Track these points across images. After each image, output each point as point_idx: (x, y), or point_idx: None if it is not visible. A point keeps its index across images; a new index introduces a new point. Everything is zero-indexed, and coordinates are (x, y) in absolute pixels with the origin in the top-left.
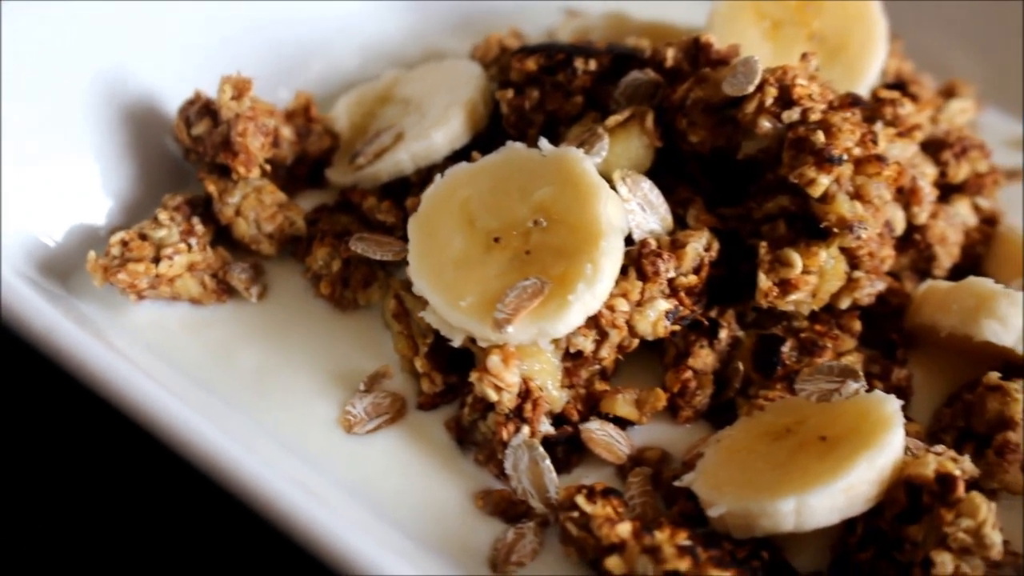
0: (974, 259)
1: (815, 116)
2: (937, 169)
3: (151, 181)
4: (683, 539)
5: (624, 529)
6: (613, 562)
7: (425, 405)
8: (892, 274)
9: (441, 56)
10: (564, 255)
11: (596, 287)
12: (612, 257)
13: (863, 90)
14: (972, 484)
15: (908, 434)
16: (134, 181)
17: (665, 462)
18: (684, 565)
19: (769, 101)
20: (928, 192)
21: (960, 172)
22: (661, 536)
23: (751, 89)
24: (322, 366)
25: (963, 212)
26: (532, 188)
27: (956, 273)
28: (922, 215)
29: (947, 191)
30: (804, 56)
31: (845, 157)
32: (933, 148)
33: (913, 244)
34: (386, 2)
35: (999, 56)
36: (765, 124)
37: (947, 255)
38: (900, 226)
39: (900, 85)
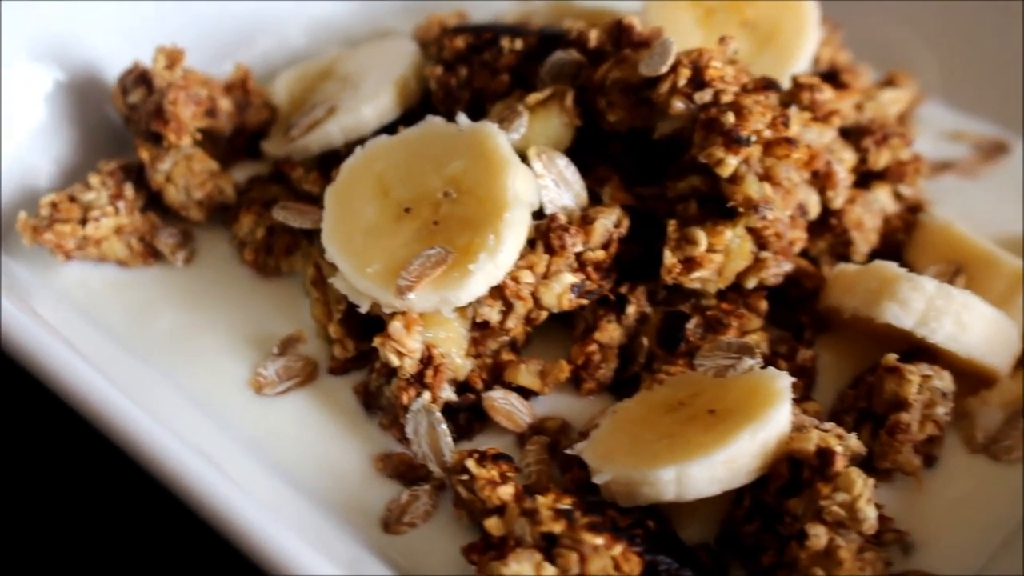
0: (896, 246)
1: (727, 98)
2: (857, 155)
3: (93, 147)
4: (564, 504)
5: (506, 492)
6: (492, 523)
7: (336, 370)
8: (811, 258)
9: (389, 35)
10: (470, 226)
11: (498, 257)
12: (515, 229)
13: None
14: (865, 463)
15: (807, 413)
16: (77, 147)
17: (564, 432)
18: (559, 528)
19: (682, 82)
20: (843, 177)
21: (880, 159)
22: (543, 500)
23: (665, 70)
24: (240, 329)
25: (882, 199)
26: (446, 161)
27: (877, 259)
28: (837, 199)
29: (868, 178)
30: (722, 40)
31: (754, 138)
32: (857, 135)
33: (830, 228)
34: None
35: (948, 51)
36: (678, 105)
37: (864, 240)
38: (814, 209)
39: (832, 73)
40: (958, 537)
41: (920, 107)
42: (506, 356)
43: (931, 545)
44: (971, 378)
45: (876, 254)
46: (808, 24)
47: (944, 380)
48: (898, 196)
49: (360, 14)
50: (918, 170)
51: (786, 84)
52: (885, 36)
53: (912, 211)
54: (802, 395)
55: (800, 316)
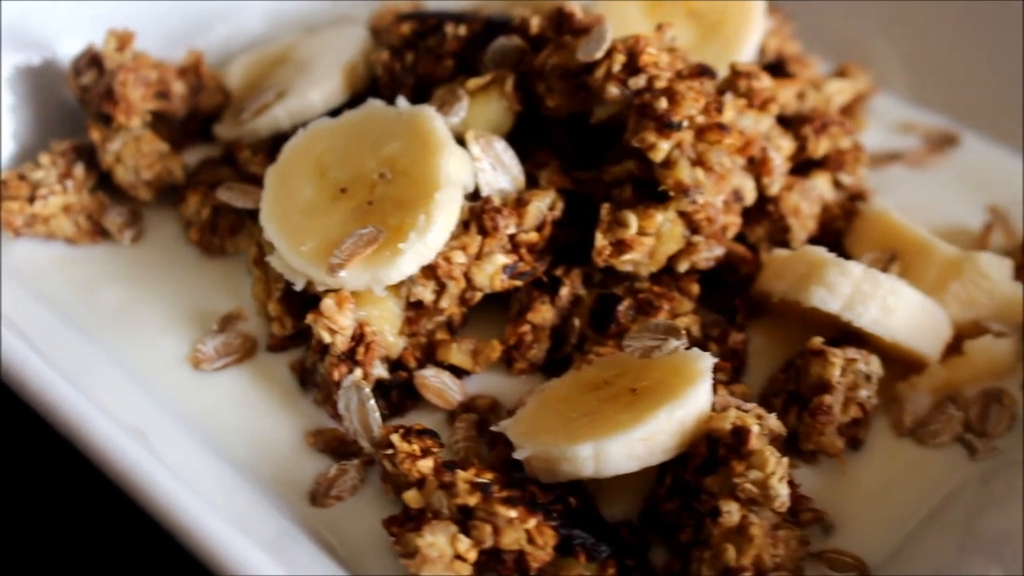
0: (836, 233)
1: (661, 84)
2: (796, 143)
3: (51, 128)
4: (483, 478)
5: (425, 465)
6: (411, 495)
7: (274, 347)
8: (750, 244)
9: (347, 23)
10: (402, 206)
11: (428, 236)
12: (446, 209)
13: None
14: (792, 445)
15: (734, 394)
16: (35, 128)
17: (494, 410)
18: (474, 500)
19: (617, 68)
20: (779, 164)
21: (819, 147)
22: (462, 474)
23: (600, 55)
24: (183, 306)
25: (821, 186)
26: (384, 143)
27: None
28: (774, 186)
29: (809, 166)
30: (660, 27)
31: (685, 123)
32: (797, 124)
33: (767, 215)
34: None
35: (902, 44)
36: (613, 90)
37: (801, 227)
38: (750, 195)
39: (778, 64)
40: (878, 518)
41: (873, 99)
42: (440, 335)
43: (851, 525)
44: (901, 363)
45: (816, 241)
46: (752, 15)
47: (871, 364)
48: (838, 184)
49: (320, 2)
50: (858, 159)
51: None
52: (842, 29)
53: (854, 199)
54: (731, 377)
55: (734, 300)
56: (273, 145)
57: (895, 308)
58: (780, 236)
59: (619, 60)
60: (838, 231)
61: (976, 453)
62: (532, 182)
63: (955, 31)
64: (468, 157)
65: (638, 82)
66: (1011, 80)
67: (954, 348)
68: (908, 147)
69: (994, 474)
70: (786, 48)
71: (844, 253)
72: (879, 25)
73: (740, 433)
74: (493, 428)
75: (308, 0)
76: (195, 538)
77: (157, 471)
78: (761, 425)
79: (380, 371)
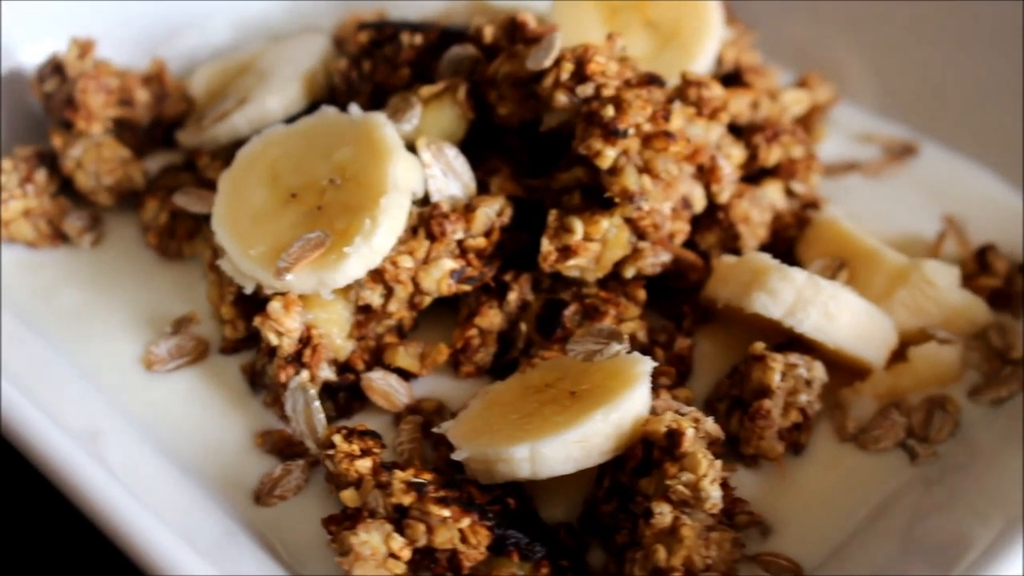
0: (788, 241)
1: (608, 92)
2: (748, 152)
3: (18, 134)
4: (420, 478)
5: (363, 465)
6: (348, 494)
7: (227, 349)
8: (701, 252)
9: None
10: (350, 211)
11: (373, 241)
12: (392, 214)
13: None
14: (732, 449)
15: (677, 399)
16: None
17: (440, 413)
18: (408, 500)
19: (565, 76)
20: (729, 172)
21: (771, 156)
22: (399, 474)
23: (548, 64)
24: (139, 309)
25: (772, 194)
26: (335, 149)
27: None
28: (723, 194)
29: (763, 174)
30: (610, 36)
31: (632, 131)
32: (749, 132)
33: (717, 222)
34: None
35: (863, 54)
36: (561, 98)
37: (752, 235)
38: (699, 203)
39: (735, 73)
40: (816, 522)
41: (836, 109)
42: (389, 339)
43: (789, 529)
44: (847, 369)
45: (768, 248)
46: (709, 24)
47: (813, 370)
48: (790, 192)
49: (288, 12)
50: (811, 167)
51: None
52: (807, 39)
53: (807, 208)
54: (676, 382)
55: (683, 306)
56: (233, 152)
57: (837, 314)
58: (731, 243)
59: (567, 69)
60: (790, 239)
61: (917, 458)
62: (484, 189)
63: (919, 42)
64: (419, 164)
65: (586, 90)
66: (972, 91)
67: (901, 355)
68: (868, 157)
69: (937, 479)
70: (744, 58)
71: (796, 260)
72: (844, 36)
73: (674, 436)
74: (435, 430)
75: (276, 1)
76: (128, 538)
77: (96, 475)
78: (697, 428)
79: (327, 373)
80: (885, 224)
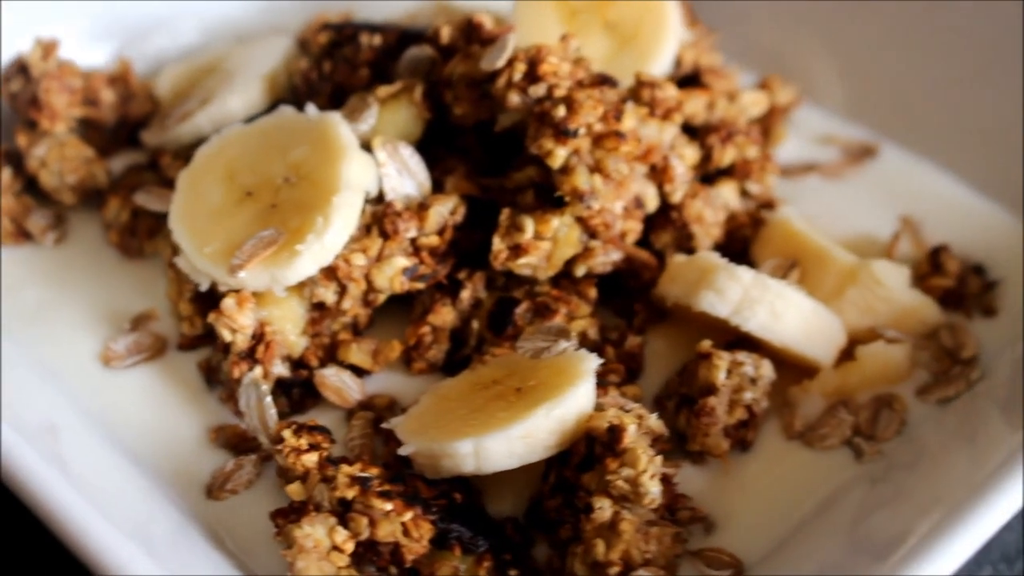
0: (743, 241)
1: (560, 92)
2: (702, 152)
3: None
4: (367, 472)
5: (310, 459)
6: (294, 488)
7: (184, 346)
8: (656, 251)
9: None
10: (303, 209)
11: (325, 239)
12: (344, 212)
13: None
14: (678, 445)
15: (625, 395)
16: None
17: (391, 409)
18: (352, 493)
19: (518, 77)
20: (682, 172)
21: (725, 156)
22: (345, 468)
23: (501, 64)
24: (100, 306)
25: (726, 195)
26: (291, 149)
27: (724, 255)
28: (676, 194)
29: (718, 174)
30: (564, 37)
31: (582, 131)
32: (704, 133)
33: (672, 222)
34: None
35: (824, 56)
36: (514, 98)
37: (705, 234)
38: (652, 202)
39: (694, 75)
40: (759, 518)
41: (798, 110)
42: (343, 336)
43: (733, 524)
44: (796, 367)
45: (723, 248)
46: (667, 26)
47: (760, 368)
48: (745, 193)
49: (257, 13)
50: (765, 168)
51: None
52: (770, 41)
53: (763, 208)
54: (625, 379)
55: (634, 305)
56: (195, 151)
57: (783, 313)
58: (685, 243)
59: (520, 69)
60: (745, 239)
61: (862, 456)
62: (440, 188)
63: (882, 46)
64: (373, 163)
65: (538, 90)
66: (933, 93)
67: (851, 354)
68: (828, 158)
69: (883, 477)
70: (704, 59)
71: (751, 260)
72: (808, 38)
73: (615, 432)
74: (384, 426)
75: (244, 2)
76: (75, 536)
77: (45, 473)
78: (640, 425)
79: (281, 369)
80: (843, 224)
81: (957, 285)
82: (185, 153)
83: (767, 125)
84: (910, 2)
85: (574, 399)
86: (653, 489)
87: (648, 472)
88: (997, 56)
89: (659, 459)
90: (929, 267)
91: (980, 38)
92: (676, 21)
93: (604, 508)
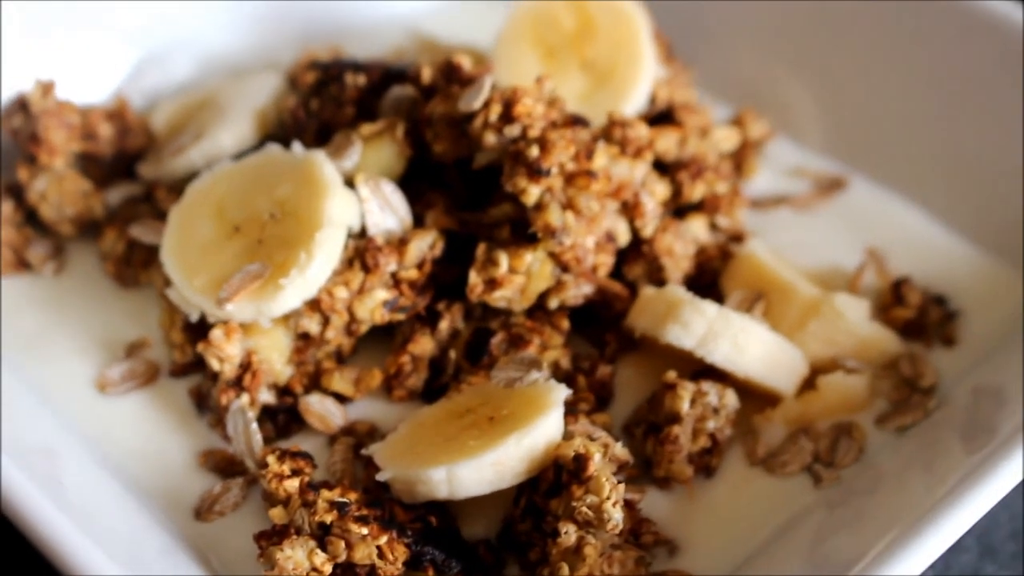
0: (712, 274)
1: (534, 132)
2: (672, 188)
3: None
4: (346, 497)
5: (292, 484)
6: (276, 512)
7: (176, 373)
8: (629, 283)
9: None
10: (287, 244)
11: (308, 273)
12: (326, 247)
13: (629, 114)
14: (645, 471)
15: (595, 423)
16: None
17: (371, 435)
18: (330, 517)
19: (494, 117)
20: (652, 208)
21: (695, 192)
22: (325, 493)
23: (478, 105)
24: (96, 334)
25: (695, 228)
26: (277, 185)
27: (694, 287)
28: (647, 228)
29: (689, 209)
30: (539, 80)
31: (555, 170)
32: (675, 169)
33: (643, 255)
34: (229, 16)
35: (797, 91)
36: (491, 138)
37: (676, 267)
38: (623, 237)
39: (667, 112)
40: (721, 541)
41: (771, 143)
42: (327, 364)
43: (696, 548)
44: (759, 397)
45: (693, 280)
46: (641, 65)
47: (724, 397)
48: (715, 227)
49: (251, 49)
50: (734, 202)
51: None
52: (744, 76)
53: (732, 241)
54: (595, 407)
55: (605, 336)
56: (187, 185)
57: (746, 346)
58: (656, 275)
59: (496, 111)
60: (715, 271)
61: (821, 482)
62: (421, 222)
63: (856, 80)
64: (356, 199)
65: (513, 131)
66: (904, 127)
67: (813, 383)
68: (799, 190)
69: (841, 502)
70: (678, 96)
71: (720, 292)
72: (783, 73)
73: (581, 460)
74: (363, 452)
75: (238, 38)
76: (64, 557)
77: (35, 495)
78: (606, 453)
79: (267, 397)
80: (811, 256)
81: (918, 316)
82: (179, 186)
83: (740, 158)
84: (883, 39)
85: (543, 428)
86: (616, 515)
87: (611, 499)
88: (966, 93)
89: (622, 487)
90: (892, 298)
91: (950, 75)
92: (651, 59)
93: (569, 533)
